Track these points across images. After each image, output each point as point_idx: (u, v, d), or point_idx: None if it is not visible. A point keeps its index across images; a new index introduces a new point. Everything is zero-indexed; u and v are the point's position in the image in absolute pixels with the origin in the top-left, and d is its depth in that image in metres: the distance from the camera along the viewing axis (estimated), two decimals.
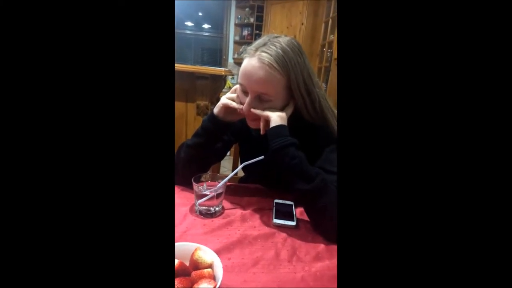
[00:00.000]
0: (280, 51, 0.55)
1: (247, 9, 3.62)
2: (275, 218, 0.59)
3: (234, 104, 0.62)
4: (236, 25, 3.76)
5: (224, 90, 3.28)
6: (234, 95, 0.63)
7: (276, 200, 0.66)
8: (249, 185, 0.78)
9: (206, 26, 4.09)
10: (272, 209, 0.63)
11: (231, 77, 3.74)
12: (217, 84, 1.52)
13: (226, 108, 0.63)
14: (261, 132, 0.61)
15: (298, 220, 0.60)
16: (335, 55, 2.41)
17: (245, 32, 3.73)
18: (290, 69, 0.56)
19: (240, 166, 0.66)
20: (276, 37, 0.59)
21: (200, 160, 0.68)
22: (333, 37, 2.54)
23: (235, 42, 3.81)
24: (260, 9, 3.45)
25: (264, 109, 0.60)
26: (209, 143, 0.67)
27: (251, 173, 0.82)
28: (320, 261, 0.48)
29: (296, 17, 3.12)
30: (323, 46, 2.90)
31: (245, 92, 0.60)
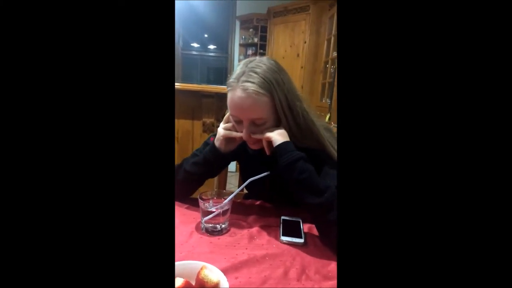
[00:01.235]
0: (260, 76, 0.57)
1: (251, 29, 3.75)
2: (283, 235, 0.58)
3: (234, 134, 0.64)
4: (240, 45, 3.87)
5: None
6: (229, 125, 0.65)
7: (283, 217, 0.65)
8: (255, 202, 0.77)
9: (211, 46, 4.23)
10: (279, 226, 0.62)
11: None
12: (223, 102, 1.54)
13: (227, 139, 0.65)
14: (267, 153, 0.63)
15: (306, 237, 0.58)
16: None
17: (250, 52, 3.84)
18: (273, 89, 0.57)
19: (246, 182, 0.66)
20: (251, 61, 0.60)
21: (197, 183, 0.72)
22: (336, 54, 2.59)
23: (240, 61, 3.91)
24: (264, 29, 3.56)
25: (261, 131, 0.62)
26: (208, 172, 0.71)
27: (254, 190, 0.81)
28: (330, 279, 0.46)
29: (298, 36, 3.20)
30: (326, 62, 2.95)
31: (237, 121, 0.62)
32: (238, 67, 0.61)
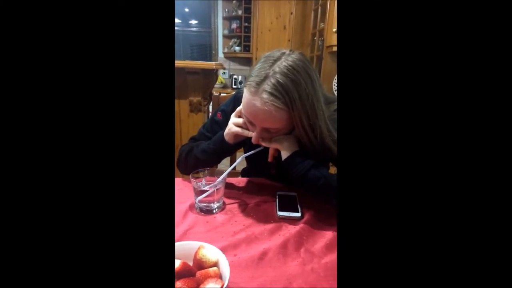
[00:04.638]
0: (284, 88, 0.50)
1: (234, 1, 3.55)
2: (279, 210, 0.57)
3: (245, 133, 0.60)
4: (224, 18, 3.68)
5: (216, 85, 3.23)
6: (241, 121, 0.61)
7: (278, 192, 0.65)
8: (248, 178, 0.76)
9: (193, 22, 4.00)
10: (275, 201, 0.61)
11: (222, 71, 3.69)
12: (209, 79, 1.48)
13: (236, 136, 0.62)
14: (269, 159, 0.62)
15: (303, 211, 0.58)
16: (326, 43, 2.38)
17: (234, 25, 3.66)
18: (295, 106, 0.51)
19: (239, 159, 0.64)
20: (277, 61, 0.52)
21: (208, 166, 0.69)
22: (324, 25, 2.50)
23: (224, 36, 3.74)
24: (248, 0, 3.39)
25: (272, 138, 0.59)
26: (218, 160, 0.69)
27: (257, 168, 0.80)
28: (330, 251, 0.46)
29: (285, 7, 3.06)
30: (313, 35, 2.85)
31: (250, 122, 0.58)
32: (260, 63, 0.54)
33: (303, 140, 0.58)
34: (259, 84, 0.51)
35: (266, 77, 0.51)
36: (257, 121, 0.55)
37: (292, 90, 0.50)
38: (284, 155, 0.58)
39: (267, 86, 0.51)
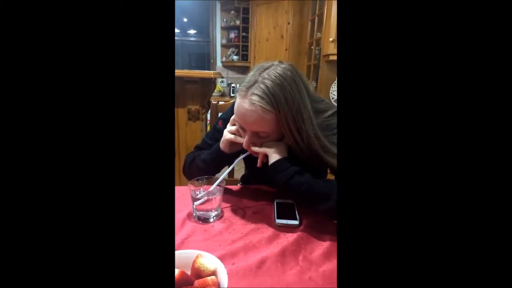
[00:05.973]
0: (270, 91, 0.53)
1: (232, 11, 3.61)
2: (277, 218, 0.57)
3: (238, 139, 0.62)
4: (222, 28, 3.74)
5: (214, 94, 3.24)
6: (234, 128, 0.63)
7: (276, 200, 0.65)
8: (246, 186, 0.76)
9: (192, 31, 4.06)
10: (273, 210, 0.61)
11: (220, 80, 3.72)
12: (207, 88, 1.50)
13: (231, 143, 0.64)
14: (258, 165, 0.63)
15: (301, 219, 0.58)
16: (323, 52, 2.42)
17: (232, 35, 3.72)
18: (281, 108, 0.54)
19: (236, 160, 0.65)
20: (266, 69, 0.56)
21: (211, 174, 0.70)
22: (320, 35, 2.55)
23: (223, 46, 3.79)
24: (246, 10, 3.45)
25: (262, 143, 0.61)
26: (218, 168, 0.71)
27: (257, 173, 0.80)
28: (328, 259, 0.46)
29: (282, 17, 3.12)
30: (310, 44, 2.90)
31: (242, 128, 0.61)
32: (252, 71, 0.58)
33: (291, 144, 0.60)
34: (248, 88, 0.55)
35: (255, 82, 0.55)
36: (246, 123, 0.57)
37: (278, 94, 0.54)
38: (271, 160, 0.59)
39: (255, 90, 0.54)
